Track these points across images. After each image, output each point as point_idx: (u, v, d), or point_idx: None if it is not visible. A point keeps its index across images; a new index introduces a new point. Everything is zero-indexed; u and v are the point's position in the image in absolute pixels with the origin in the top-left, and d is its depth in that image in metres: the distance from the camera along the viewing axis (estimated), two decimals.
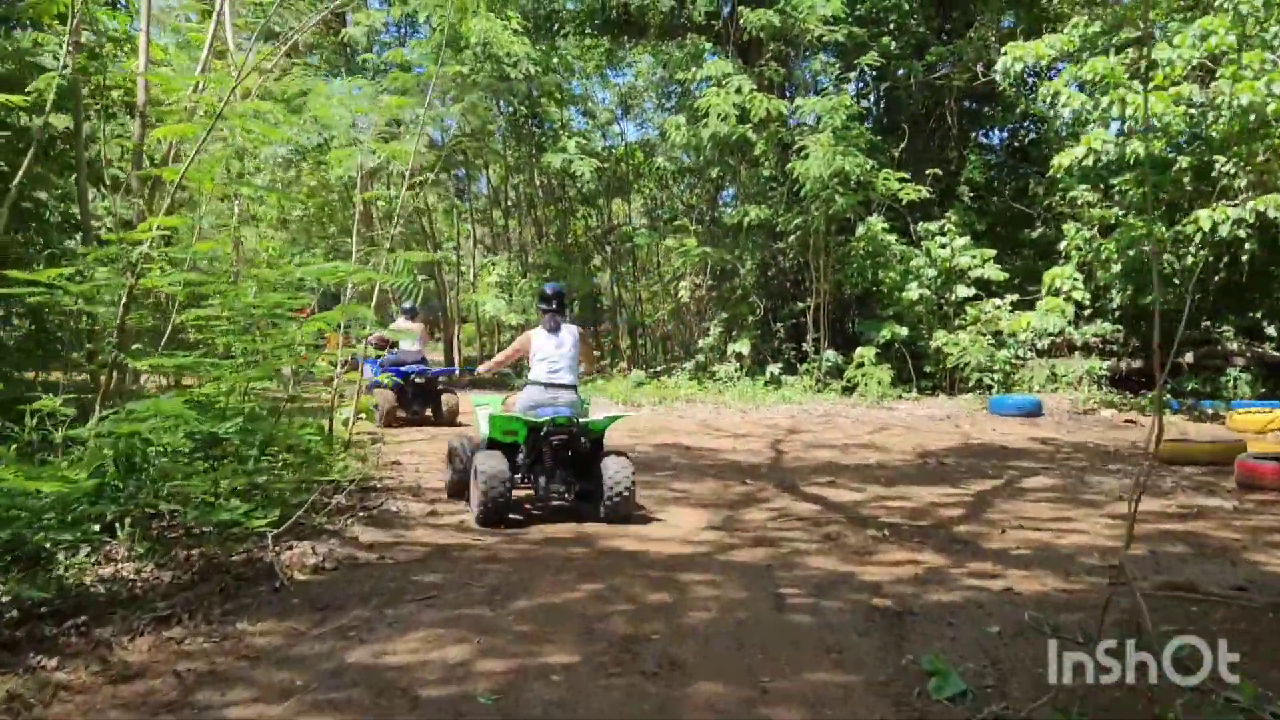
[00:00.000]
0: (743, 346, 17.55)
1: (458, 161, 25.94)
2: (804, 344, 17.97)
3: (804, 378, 17.22)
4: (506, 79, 17.38)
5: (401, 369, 10.86)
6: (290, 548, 5.27)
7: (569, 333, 6.95)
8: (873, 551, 5.76)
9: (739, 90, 16.36)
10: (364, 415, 8.31)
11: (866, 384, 15.95)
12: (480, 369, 7.92)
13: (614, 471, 6.40)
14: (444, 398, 12.27)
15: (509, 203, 25.27)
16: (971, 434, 12.21)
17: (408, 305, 12.48)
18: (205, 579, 4.63)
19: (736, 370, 17.70)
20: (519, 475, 6.65)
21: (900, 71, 18.93)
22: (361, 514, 6.39)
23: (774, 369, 17.47)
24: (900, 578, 5.10)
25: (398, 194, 8.98)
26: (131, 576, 4.59)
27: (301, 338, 7.21)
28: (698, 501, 7.54)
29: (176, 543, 5.00)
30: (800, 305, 18.61)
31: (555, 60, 19.14)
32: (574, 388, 6.86)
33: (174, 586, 4.53)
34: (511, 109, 18.90)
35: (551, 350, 6.80)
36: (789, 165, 16.65)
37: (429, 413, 12.34)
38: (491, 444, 6.68)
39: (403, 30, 22.26)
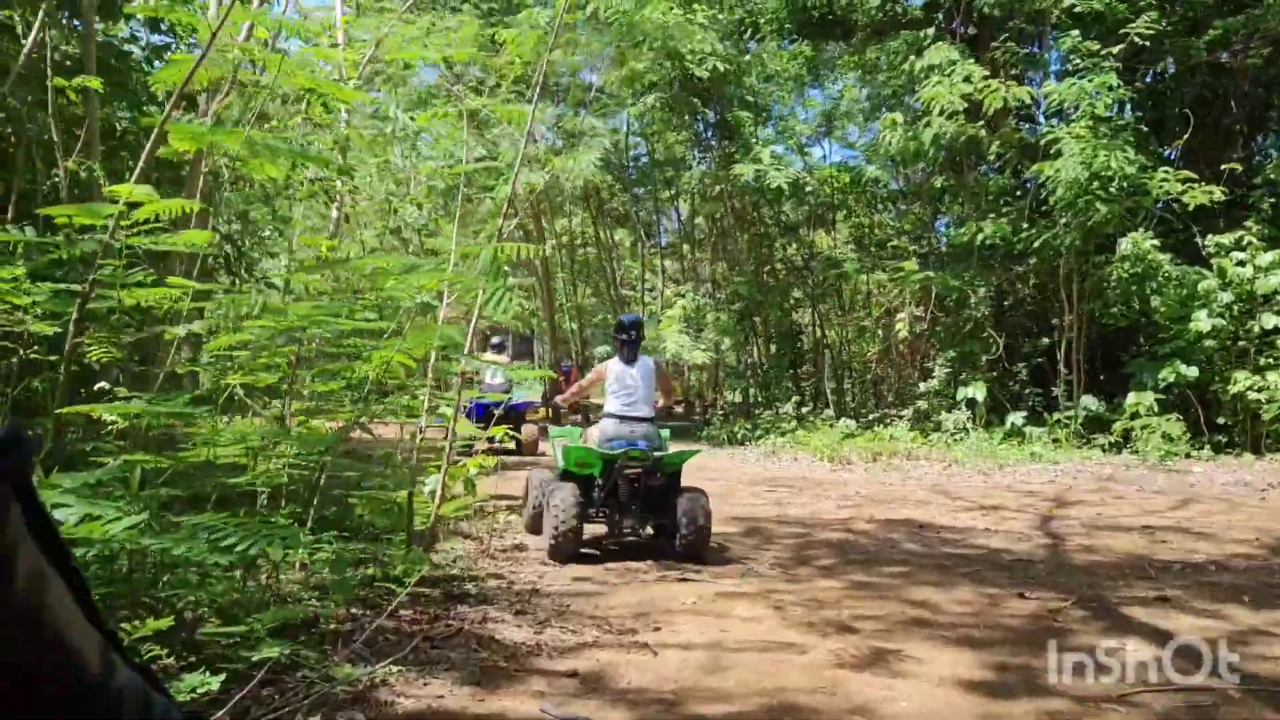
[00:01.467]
0: (976, 391, 14.41)
1: (644, 191, 24.06)
2: (1053, 388, 14.64)
3: (1055, 430, 13.90)
4: (690, 78, 15.15)
5: (485, 402, 10.77)
6: None
7: (645, 364, 6.86)
8: None
9: (968, 79, 13.44)
10: (464, 483, 6.02)
11: (1146, 439, 12.50)
12: (558, 399, 7.71)
13: (689, 508, 6.24)
14: (524, 429, 12.20)
15: (699, 235, 23.05)
16: None
17: (496, 340, 12.52)
18: None
19: (968, 420, 14.57)
20: (593, 509, 6.54)
21: (1167, 63, 15.49)
22: (420, 650, 4.03)
23: (1016, 419, 14.23)
24: None
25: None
26: None
27: (374, 372, 5.03)
28: (957, 631, 4.78)
29: None
30: (1046, 341, 15.29)
31: (748, 59, 16.79)
32: (650, 420, 6.73)
33: None
34: (697, 114, 16.55)
35: (627, 382, 6.72)
36: (1032, 168, 13.55)
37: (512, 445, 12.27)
38: (566, 476, 6.54)
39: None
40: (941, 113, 13.68)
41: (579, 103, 17.62)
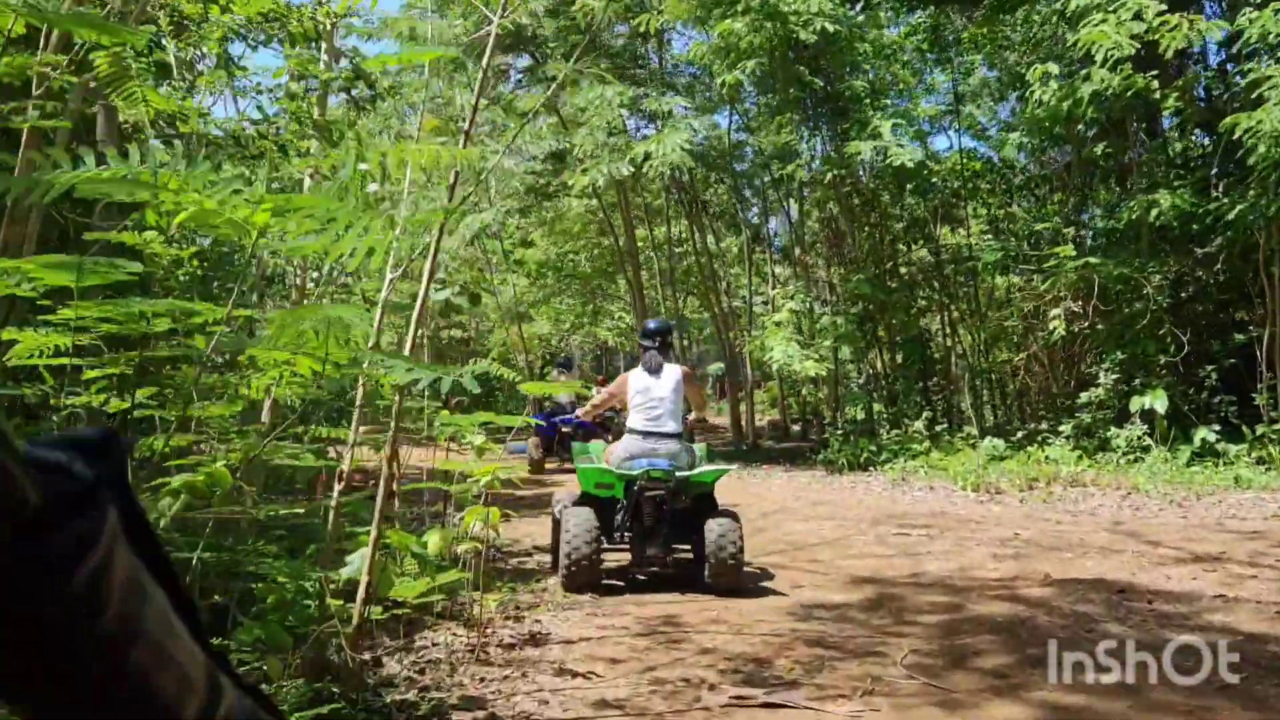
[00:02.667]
0: (1155, 400, 11.74)
1: (751, 193, 21.95)
2: (1252, 394, 11.85)
3: (1260, 447, 11.14)
4: (794, 42, 12.96)
5: (554, 418, 10.70)
6: None
7: (671, 374, 6.30)
8: None
9: (1139, 15, 10.87)
10: (417, 559, 4.01)
11: None
12: (579, 413, 7.18)
13: (718, 534, 5.63)
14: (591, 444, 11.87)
15: (810, 237, 20.69)
16: None
17: (562, 359, 13.05)
18: None
19: (1144, 436, 11.91)
20: (617, 534, 6.05)
21: None
22: None
23: (1206, 434, 11.50)
24: None
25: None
26: None
27: (281, 387, 3.14)
28: None
29: None
30: (1240, 337, 12.49)
31: (861, 20, 14.52)
32: (677, 436, 6.16)
33: None
34: (803, 84, 14.19)
35: (651, 394, 6.16)
36: (1224, 122, 10.91)
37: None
38: (586, 498, 6.03)
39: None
40: (1104, 62, 11.15)
41: (666, 85, 15.71)
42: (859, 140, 13.53)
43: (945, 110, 19.31)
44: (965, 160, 16.85)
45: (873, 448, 14.09)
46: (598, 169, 13.19)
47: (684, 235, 22.47)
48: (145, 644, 0.41)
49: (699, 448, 6.50)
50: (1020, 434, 13.52)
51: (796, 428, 22.63)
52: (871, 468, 13.37)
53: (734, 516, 5.82)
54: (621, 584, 6.08)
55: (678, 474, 5.84)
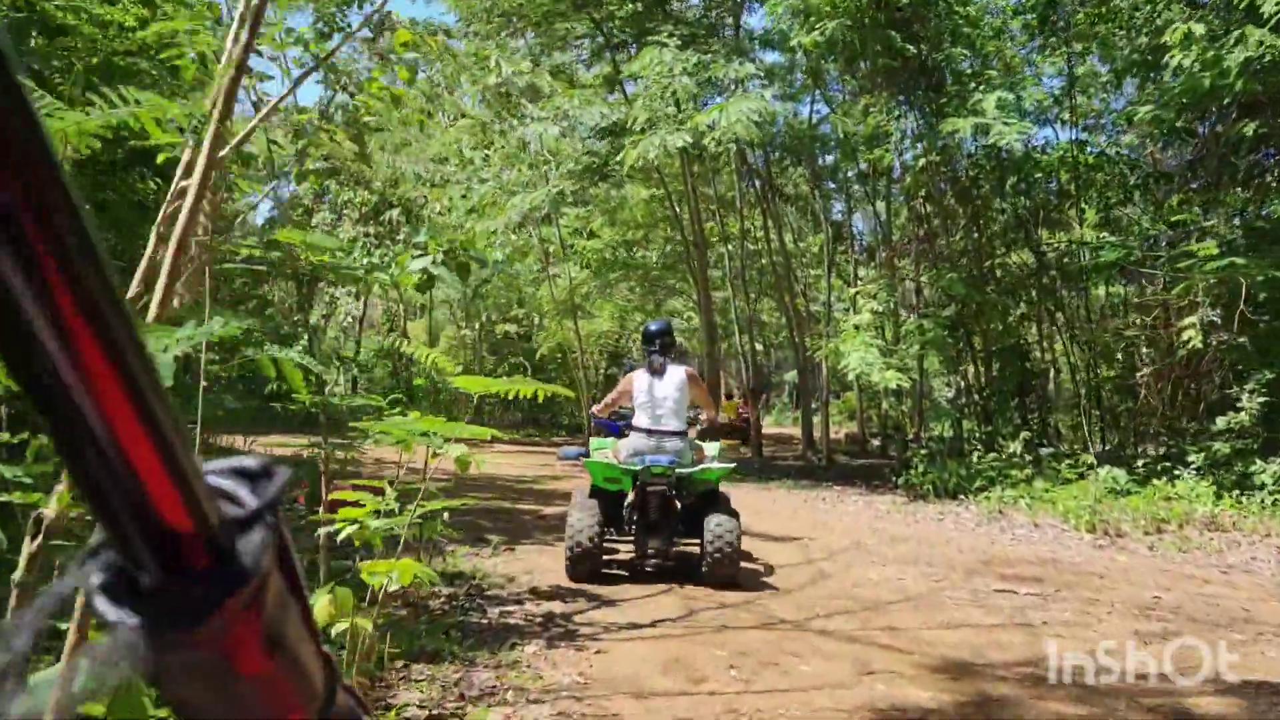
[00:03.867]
0: None
1: (834, 185, 20.18)
2: None
3: None
4: (885, 3, 11.21)
5: (618, 424, 10.14)
6: None
7: (674, 374, 6.56)
8: None
9: None
10: None
11: None
12: (595, 409, 7.21)
13: (715, 528, 5.93)
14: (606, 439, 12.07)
15: (901, 236, 18.79)
16: None
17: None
18: None
19: None
20: (626, 527, 6.42)
21: None
22: None
23: None
24: None
25: None
26: None
27: None
28: None
29: None
30: None
31: None
32: (681, 434, 6.43)
33: None
34: (894, 51, 12.24)
35: (654, 394, 6.46)
36: None
37: None
38: (596, 492, 6.37)
39: None
40: (1267, 21, 9.22)
41: (736, 50, 14.04)
42: (957, 118, 11.68)
43: (1054, 99, 17.29)
44: (1077, 151, 14.83)
45: (962, 472, 12.22)
46: (650, 141, 11.61)
47: (757, 231, 20.74)
48: (284, 654, 0.43)
49: (711, 447, 6.77)
50: (1141, 464, 11.54)
51: (875, 443, 20.78)
52: (962, 496, 11.55)
53: (735, 514, 6.09)
54: (626, 573, 6.45)
55: (678, 470, 6.09)
